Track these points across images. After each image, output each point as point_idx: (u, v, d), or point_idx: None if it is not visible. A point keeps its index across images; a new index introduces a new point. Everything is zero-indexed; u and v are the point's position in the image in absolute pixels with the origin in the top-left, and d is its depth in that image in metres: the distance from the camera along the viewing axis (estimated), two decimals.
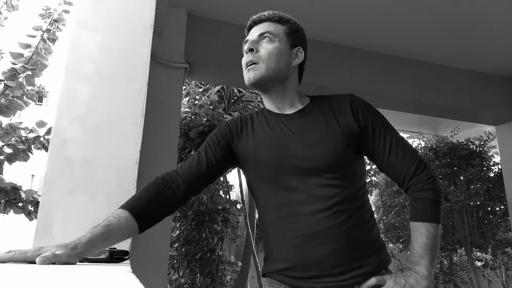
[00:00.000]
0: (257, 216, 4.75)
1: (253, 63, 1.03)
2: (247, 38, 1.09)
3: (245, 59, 1.05)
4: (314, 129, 1.03)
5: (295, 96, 1.10)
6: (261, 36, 1.06)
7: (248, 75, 1.04)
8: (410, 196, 1.01)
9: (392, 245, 5.78)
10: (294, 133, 1.04)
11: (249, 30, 1.12)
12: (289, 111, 1.08)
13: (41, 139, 2.01)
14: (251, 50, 1.04)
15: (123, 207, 0.95)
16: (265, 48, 1.04)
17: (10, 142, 1.94)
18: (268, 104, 1.11)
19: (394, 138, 1.03)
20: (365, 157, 1.08)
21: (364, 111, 1.05)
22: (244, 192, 4.27)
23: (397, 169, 1.02)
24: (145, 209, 0.97)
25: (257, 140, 1.07)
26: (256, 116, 1.14)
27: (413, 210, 1.00)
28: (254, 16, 1.11)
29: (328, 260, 0.94)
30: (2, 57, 2.12)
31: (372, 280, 0.94)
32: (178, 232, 3.25)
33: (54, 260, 0.74)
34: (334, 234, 0.94)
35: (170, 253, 2.99)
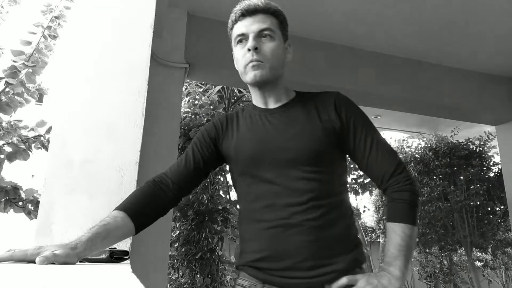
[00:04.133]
0: None
1: (258, 62, 1.02)
2: (244, 31, 1.03)
3: (248, 56, 1.02)
4: (295, 122, 1.04)
5: (282, 91, 1.10)
6: (261, 32, 1.03)
7: (254, 73, 1.02)
8: (388, 196, 1.01)
9: None
10: (275, 126, 1.05)
11: (239, 19, 1.05)
12: (274, 105, 1.09)
13: (41, 138, 2.01)
14: (255, 48, 1.01)
15: (118, 208, 0.96)
16: (268, 46, 1.03)
17: (10, 141, 1.93)
18: (257, 99, 1.12)
19: (375, 138, 1.03)
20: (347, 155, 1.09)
21: (348, 108, 1.05)
22: None
23: (377, 169, 1.02)
24: (140, 210, 0.98)
25: (239, 135, 1.08)
26: (242, 112, 1.15)
27: (389, 210, 1.00)
28: (246, 4, 1.04)
29: (299, 252, 0.93)
30: (2, 53, 2.12)
31: (343, 280, 0.93)
32: (178, 232, 3.25)
33: (53, 260, 0.74)
34: (308, 227, 0.94)
35: (170, 253, 2.99)
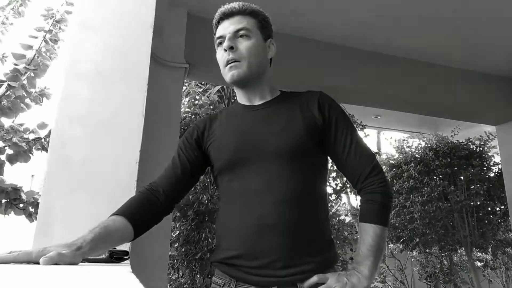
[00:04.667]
0: None
1: (235, 61, 1.04)
2: (222, 33, 1.07)
3: (225, 56, 1.05)
4: (278, 118, 1.05)
5: (266, 88, 1.12)
6: (237, 32, 1.06)
7: (231, 73, 1.05)
8: (362, 197, 1.03)
9: (392, 245, 5.78)
10: (257, 121, 1.06)
11: (219, 22, 1.10)
12: (258, 102, 1.11)
13: (42, 140, 2.01)
14: (231, 48, 1.04)
15: (115, 213, 0.97)
16: (244, 45, 1.05)
17: (11, 143, 1.93)
18: (241, 97, 1.14)
19: (355, 139, 1.05)
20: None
21: (331, 107, 1.07)
22: None
23: (353, 168, 1.04)
24: (137, 215, 0.99)
25: (222, 132, 1.09)
26: (226, 111, 1.17)
27: (362, 211, 1.02)
28: (224, 8, 1.09)
29: (273, 252, 0.94)
30: (5, 60, 2.12)
31: (314, 278, 0.94)
32: (178, 232, 3.25)
33: (58, 260, 0.74)
34: (284, 226, 0.95)
35: (170, 253, 2.98)
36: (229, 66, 1.05)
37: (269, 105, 1.10)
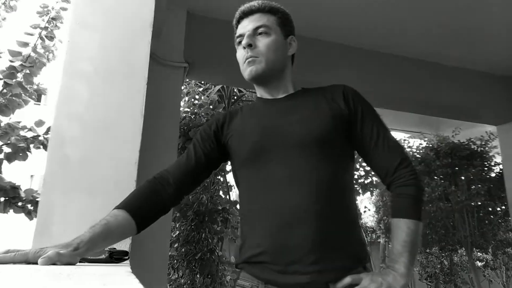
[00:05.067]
0: None
1: (253, 57, 1.03)
2: (241, 32, 1.07)
3: (244, 54, 1.05)
4: (302, 108, 1.03)
5: (288, 85, 1.11)
6: (256, 30, 1.05)
7: (250, 69, 1.04)
8: (392, 191, 0.99)
9: None
10: (280, 112, 1.04)
11: (239, 22, 1.10)
12: (280, 96, 1.10)
13: (40, 138, 2.00)
14: (249, 45, 1.03)
15: (119, 207, 0.95)
16: (263, 42, 1.04)
17: (9, 141, 1.93)
18: (262, 92, 1.12)
19: (382, 131, 1.02)
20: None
21: (356, 98, 1.05)
22: None
23: (381, 161, 1.00)
24: (141, 208, 0.97)
25: (243, 125, 1.08)
26: (246, 106, 1.16)
27: (394, 206, 0.97)
28: (244, 7, 1.09)
29: (302, 245, 0.89)
30: (0, 57, 2.11)
31: (347, 279, 0.89)
32: (178, 232, 3.25)
33: (56, 260, 0.74)
34: (312, 219, 0.90)
35: (170, 253, 2.98)
36: (247, 61, 1.04)
37: (291, 98, 1.08)
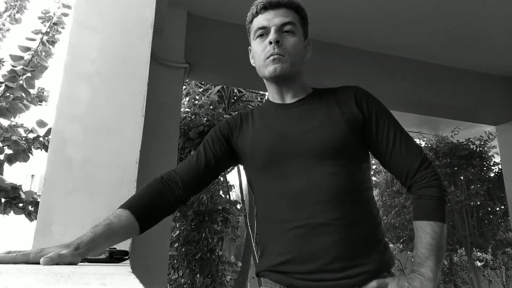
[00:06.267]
0: None
1: (280, 55, 0.97)
2: (265, 24, 0.99)
3: (268, 49, 0.98)
4: (314, 115, 0.99)
5: (300, 87, 1.07)
6: (283, 26, 0.99)
7: (274, 66, 0.98)
8: (414, 193, 0.95)
9: (392, 245, 5.78)
10: (293, 119, 1.01)
11: (260, 11, 1.01)
12: (291, 100, 1.05)
13: (41, 139, 2.01)
14: (277, 41, 0.97)
15: (123, 206, 0.94)
16: (290, 41, 0.99)
17: (10, 142, 1.93)
18: (273, 95, 1.08)
19: (399, 132, 0.98)
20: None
21: (369, 101, 1.01)
22: (244, 192, 4.27)
23: (401, 163, 0.96)
24: (145, 208, 0.96)
25: (255, 131, 1.04)
26: (257, 110, 1.11)
27: (417, 208, 0.93)
28: None
29: (326, 253, 0.87)
30: (3, 65, 2.12)
31: (373, 284, 0.88)
32: (178, 232, 3.25)
33: (58, 260, 0.73)
34: (335, 226, 0.88)
35: (170, 253, 2.98)
36: (272, 58, 0.97)
37: (303, 103, 1.03)
